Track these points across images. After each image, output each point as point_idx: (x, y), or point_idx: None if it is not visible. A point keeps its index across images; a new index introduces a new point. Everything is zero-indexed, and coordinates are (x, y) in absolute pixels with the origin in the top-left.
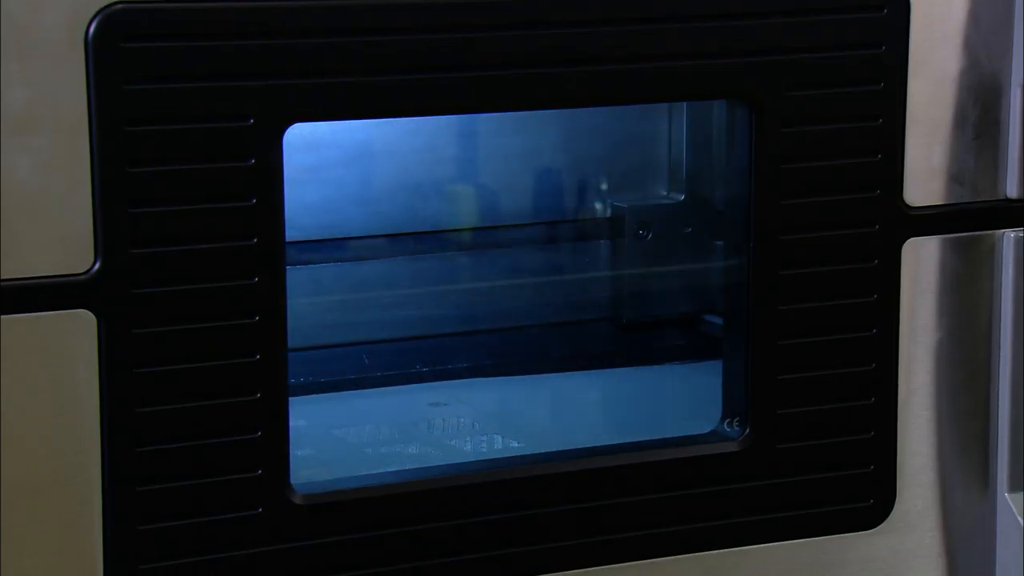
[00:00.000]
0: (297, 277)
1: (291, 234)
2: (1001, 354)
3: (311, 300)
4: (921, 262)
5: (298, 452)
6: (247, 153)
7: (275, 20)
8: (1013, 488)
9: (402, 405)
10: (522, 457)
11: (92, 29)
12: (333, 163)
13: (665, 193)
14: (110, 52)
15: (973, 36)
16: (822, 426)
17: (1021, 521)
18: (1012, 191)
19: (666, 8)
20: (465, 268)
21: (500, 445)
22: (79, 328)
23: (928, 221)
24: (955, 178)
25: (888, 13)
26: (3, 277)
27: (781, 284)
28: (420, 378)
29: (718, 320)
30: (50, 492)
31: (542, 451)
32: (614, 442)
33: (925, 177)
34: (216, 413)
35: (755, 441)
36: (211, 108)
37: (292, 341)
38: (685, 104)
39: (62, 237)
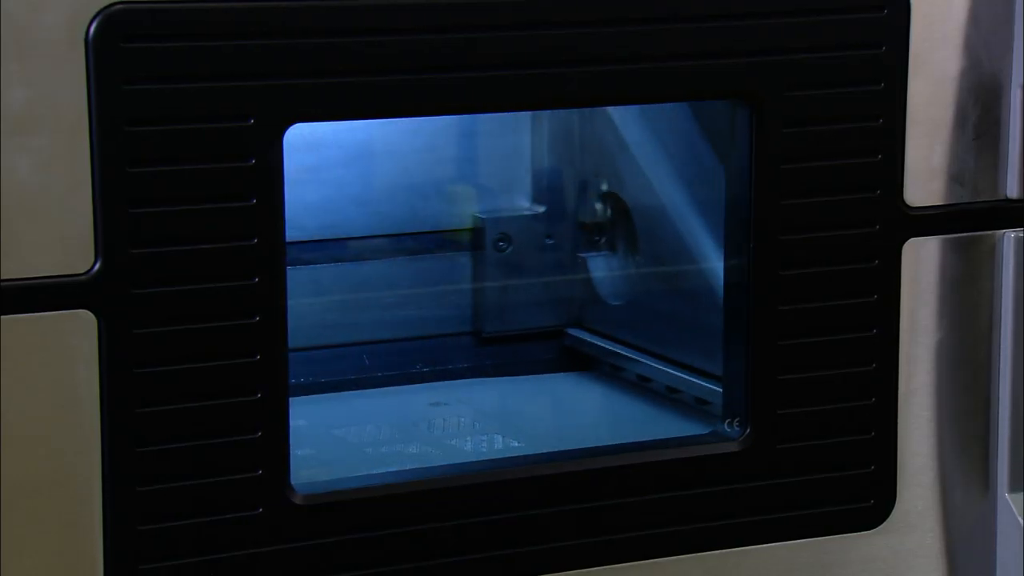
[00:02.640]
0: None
1: None
2: (1001, 354)
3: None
4: (921, 262)
5: (298, 452)
6: (247, 153)
7: (275, 20)
8: (1013, 488)
9: (402, 405)
10: (522, 457)
11: (92, 29)
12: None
13: (527, 204)
14: (110, 52)
15: (973, 36)
16: (822, 426)
17: (1021, 521)
18: (1012, 191)
19: (666, 8)
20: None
21: (500, 445)
22: (79, 328)
23: (928, 221)
24: (955, 178)
25: (888, 13)
26: (3, 277)
27: (781, 284)
28: (421, 378)
29: (582, 334)
30: (50, 492)
31: (542, 451)
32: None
33: (925, 177)
34: (216, 413)
35: (755, 441)
36: (211, 108)
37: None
38: (547, 114)
39: (62, 237)
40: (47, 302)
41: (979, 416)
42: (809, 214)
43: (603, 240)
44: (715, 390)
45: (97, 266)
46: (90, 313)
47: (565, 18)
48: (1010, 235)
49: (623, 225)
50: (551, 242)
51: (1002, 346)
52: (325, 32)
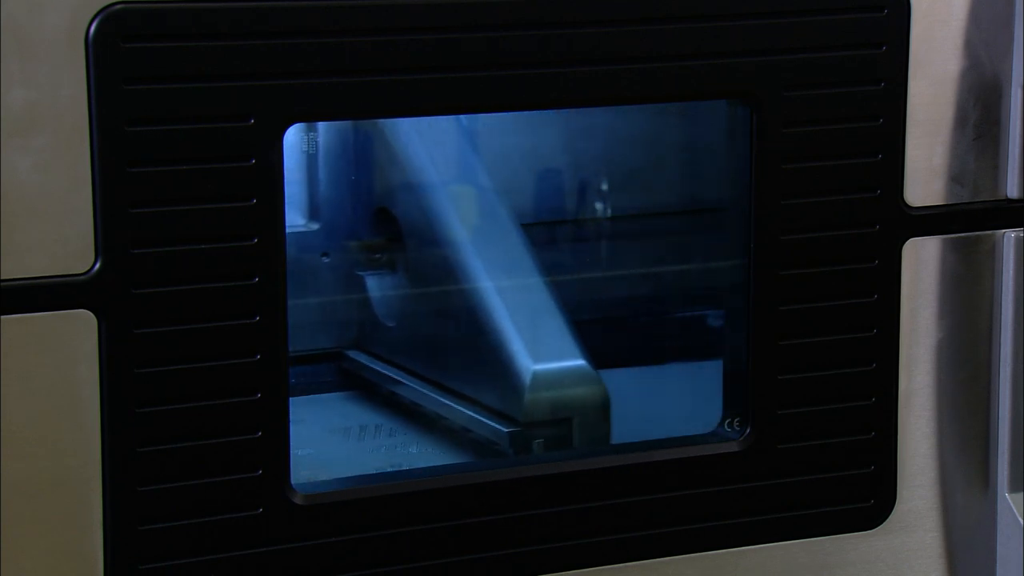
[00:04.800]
0: None
1: None
2: (1001, 354)
3: None
4: (921, 262)
5: (298, 452)
6: (247, 153)
7: (275, 20)
8: (1014, 488)
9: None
10: (522, 457)
11: (92, 29)
12: None
13: (303, 221)
14: (110, 52)
15: (974, 36)
16: (823, 426)
17: (1022, 521)
18: (1012, 191)
19: (666, 8)
20: None
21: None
22: (79, 328)
23: (928, 221)
24: (955, 178)
25: (888, 13)
26: (3, 277)
27: (781, 284)
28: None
29: (360, 356)
30: (50, 492)
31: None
32: None
33: (926, 177)
34: (216, 413)
35: (756, 441)
36: (211, 108)
37: None
38: (322, 126)
39: (62, 237)
40: (47, 302)
41: (979, 416)
42: (809, 214)
43: (382, 258)
44: (475, 418)
45: (97, 266)
46: (90, 313)
47: (565, 18)
48: (1010, 235)
49: (397, 243)
50: (327, 260)
51: (1002, 346)
52: (325, 32)
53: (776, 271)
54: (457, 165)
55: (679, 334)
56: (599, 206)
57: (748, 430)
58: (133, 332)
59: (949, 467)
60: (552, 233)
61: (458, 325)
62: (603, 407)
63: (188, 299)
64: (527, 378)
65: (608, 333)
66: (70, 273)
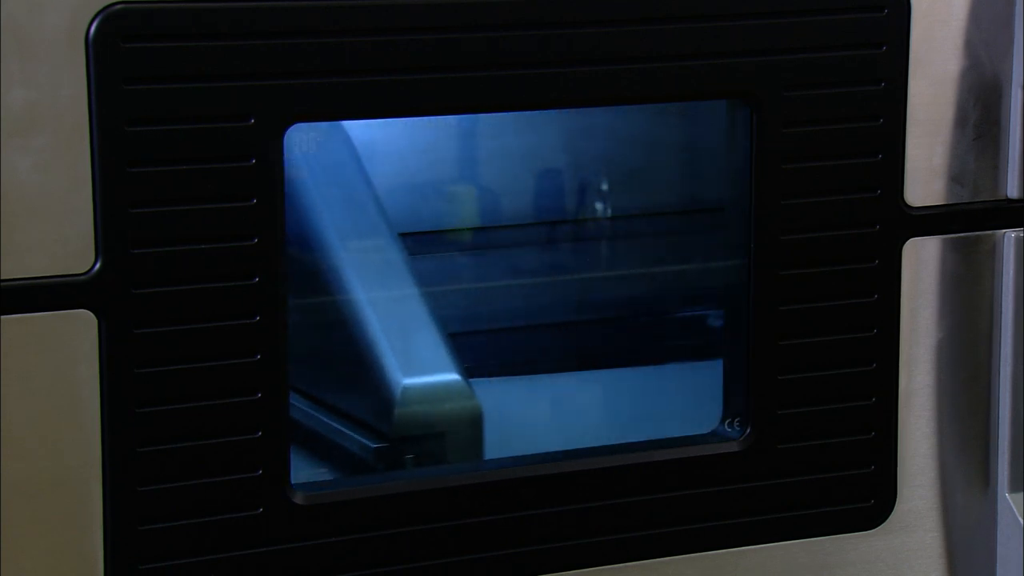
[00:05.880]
0: None
1: None
2: (1002, 354)
3: None
4: (921, 262)
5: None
6: (247, 153)
7: (275, 20)
8: (1014, 488)
9: None
10: (522, 457)
11: (92, 29)
12: None
13: None
14: (110, 52)
15: (974, 36)
16: (823, 426)
17: (1022, 521)
18: (1012, 191)
19: (666, 8)
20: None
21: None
22: (79, 328)
23: (929, 221)
24: (956, 178)
25: (888, 13)
26: (3, 277)
27: (781, 284)
28: None
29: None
30: (50, 492)
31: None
32: None
33: (926, 177)
34: (216, 413)
35: (756, 441)
36: (211, 108)
37: None
38: None
39: (62, 237)
40: (47, 302)
41: (979, 416)
42: (809, 214)
43: None
44: (345, 432)
45: (97, 266)
46: (90, 313)
47: (565, 18)
48: (1010, 235)
49: None
50: None
51: (1002, 346)
52: (325, 32)
53: (776, 271)
54: (336, 171)
55: (679, 334)
56: (599, 206)
57: (748, 430)
58: (133, 332)
59: (949, 467)
60: (552, 233)
61: (334, 337)
62: (476, 422)
63: (188, 299)
64: (397, 392)
65: (608, 333)
66: (70, 273)
